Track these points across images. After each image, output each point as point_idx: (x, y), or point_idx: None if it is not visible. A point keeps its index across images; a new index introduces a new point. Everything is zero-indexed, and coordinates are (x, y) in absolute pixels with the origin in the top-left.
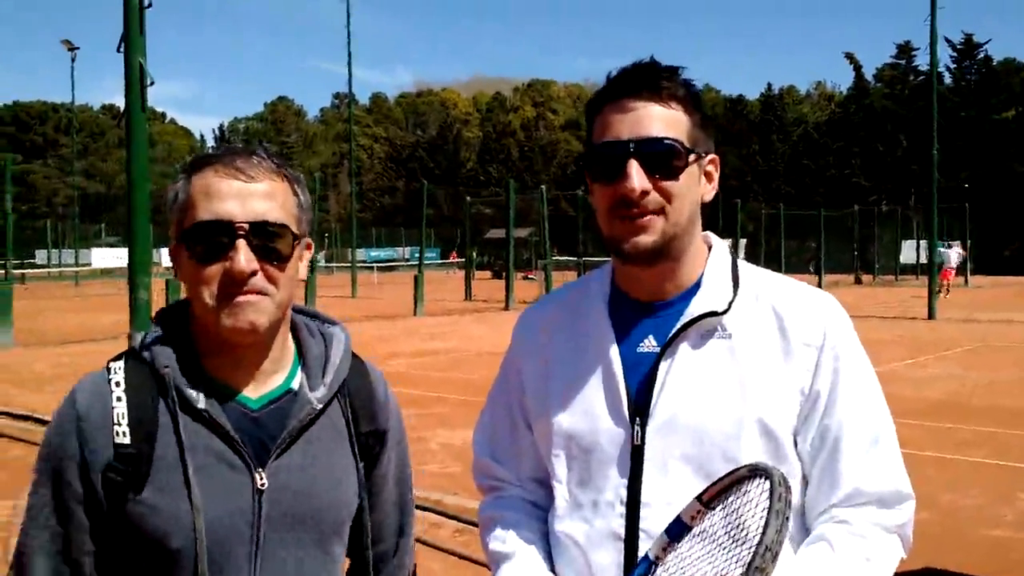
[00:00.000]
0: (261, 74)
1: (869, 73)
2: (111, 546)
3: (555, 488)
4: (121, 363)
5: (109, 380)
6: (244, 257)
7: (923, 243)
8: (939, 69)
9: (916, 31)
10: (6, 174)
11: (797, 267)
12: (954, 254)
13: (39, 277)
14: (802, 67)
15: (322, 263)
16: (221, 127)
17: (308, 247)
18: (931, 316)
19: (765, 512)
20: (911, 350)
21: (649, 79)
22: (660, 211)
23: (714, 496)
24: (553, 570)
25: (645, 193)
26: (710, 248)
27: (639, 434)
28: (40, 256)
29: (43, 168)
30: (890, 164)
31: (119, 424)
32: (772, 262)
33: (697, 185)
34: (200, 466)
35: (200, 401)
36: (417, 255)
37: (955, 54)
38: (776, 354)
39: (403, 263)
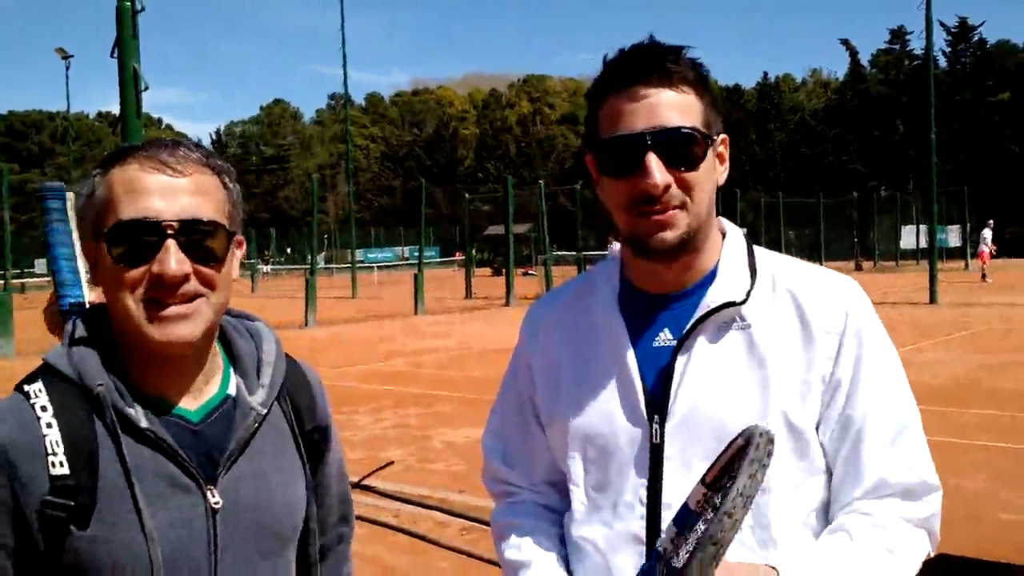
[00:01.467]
0: (256, 78)
1: (865, 59)
2: None
3: (572, 491)
4: (39, 384)
5: (32, 405)
6: (175, 259)
7: (923, 227)
8: (934, 53)
9: (910, 16)
10: (2, 184)
11: (798, 255)
12: (988, 234)
13: (39, 286)
14: (798, 55)
15: (322, 264)
16: (217, 131)
17: (240, 244)
18: (933, 300)
19: (743, 462)
20: (914, 335)
21: (657, 62)
22: (682, 205)
23: (717, 475)
24: None
25: (667, 187)
26: (723, 235)
27: (657, 432)
28: (39, 265)
29: (41, 177)
30: (887, 149)
31: (54, 453)
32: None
33: (714, 171)
34: (149, 491)
35: (141, 419)
36: (416, 254)
37: (949, 38)
38: (796, 343)
39: (403, 263)
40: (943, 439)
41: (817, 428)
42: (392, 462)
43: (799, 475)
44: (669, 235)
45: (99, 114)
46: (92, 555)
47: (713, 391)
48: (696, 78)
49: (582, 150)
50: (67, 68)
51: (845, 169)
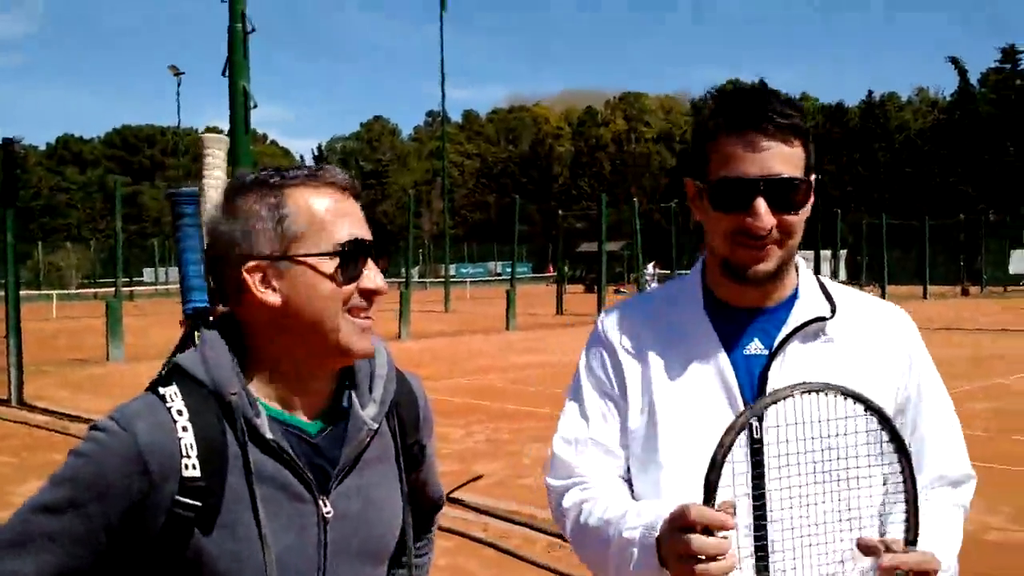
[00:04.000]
0: (357, 95)
1: (974, 78)
2: None
3: (663, 481)
4: (174, 388)
5: (168, 408)
6: (380, 277)
7: None
8: None
9: (1021, 34)
10: (117, 195)
11: (901, 278)
12: None
13: (147, 294)
14: (903, 73)
15: (415, 278)
16: (319, 147)
17: None
18: None
19: None
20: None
21: (771, 112)
22: (778, 242)
23: None
24: None
25: (771, 228)
26: (796, 266)
27: (758, 429)
28: (148, 274)
29: (151, 189)
30: (997, 171)
31: (187, 456)
32: (874, 273)
33: (807, 211)
34: (268, 499)
35: (267, 429)
36: (508, 270)
37: None
38: (871, 358)
39: (495, 278)
40: None
41: None
42: (481, 476)
43: (876, 468)
44: (763, 267)
45: (207, 129)
46: (211, 555)
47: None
48: (803, 128)
49: (682, 173)
50: (178, 85)
51: (952, 191)
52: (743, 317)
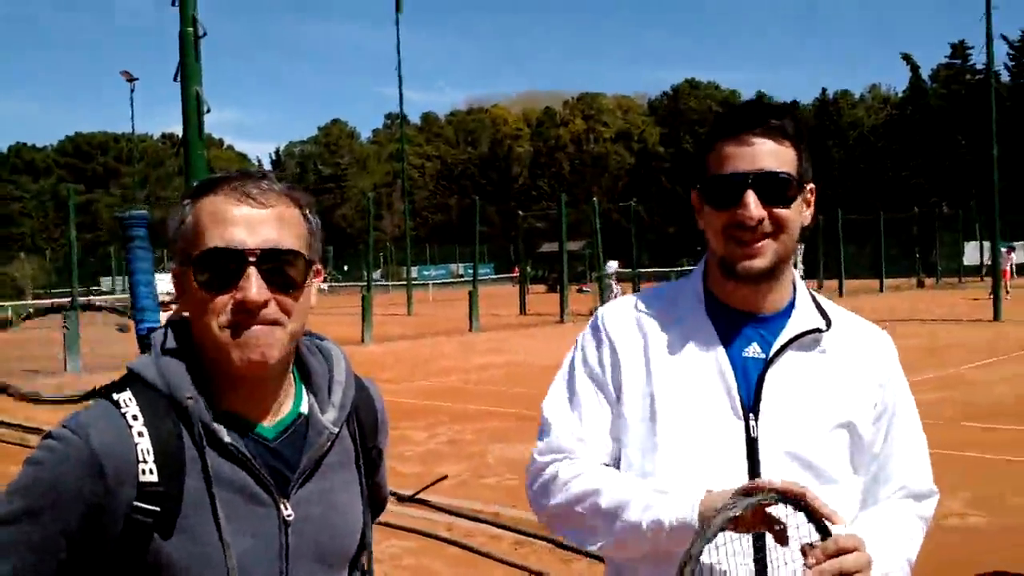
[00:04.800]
0: (315, 98)
1: (925, 74)
2: None
3: (658, 467)
4: (128, 394)
5: (123, 414)
6: (256, 285)
7: (986, 244)
8: (996, 67)
9: (971, 30)
10: (70, 204)
11: (857, 272)
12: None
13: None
14: (857, 71)
15: (379, 280)
16: (277, 151)
17: (318, 273)
18: (997, 318)
19: None
20: (978, 352)
21: (765, 117)
22: (771, 235)
23: None
24: None
25: (761, 220)
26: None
27: (754, 427)
28: (105, 283)
29: (106, 197)
30: (949, 165)
31: (144, 461)
32: (831, 268)
33: (802, 212)
34: (227, 503)
35: (224, 434)
36: (471, 271)
37: (1012, 52)
38: (857, 371)
39: (457, 280)
40: (1008, 457)
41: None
42: (445, 476)
43: (851, 469)
44: (756, 262)
45: (163, 135)
46: (172, 560)
47: (797, 400)
48: (796, 132)
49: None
50: (132, 90)
51: (906, 185)
52: (741, 319)
